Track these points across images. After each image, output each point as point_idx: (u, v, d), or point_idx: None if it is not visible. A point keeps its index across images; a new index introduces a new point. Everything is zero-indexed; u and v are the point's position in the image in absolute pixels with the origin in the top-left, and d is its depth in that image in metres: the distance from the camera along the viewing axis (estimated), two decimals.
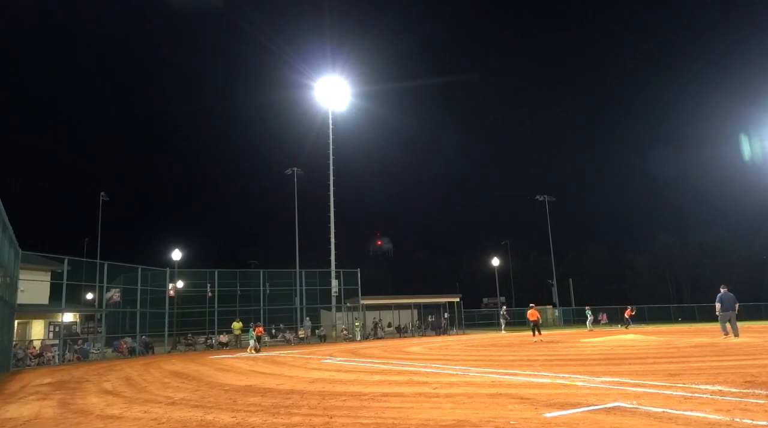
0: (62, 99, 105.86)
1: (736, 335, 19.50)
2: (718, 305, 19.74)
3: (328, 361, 17.34)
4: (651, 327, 37.57)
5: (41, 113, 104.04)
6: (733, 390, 7.77)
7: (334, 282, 35.82)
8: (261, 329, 26.51)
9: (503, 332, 34.81)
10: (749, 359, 11.80)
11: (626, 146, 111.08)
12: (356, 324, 35.78)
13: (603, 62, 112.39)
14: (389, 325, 39.70)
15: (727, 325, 19.71)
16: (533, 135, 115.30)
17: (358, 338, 34.44)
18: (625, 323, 36.53)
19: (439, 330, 38.75)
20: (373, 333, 36.24)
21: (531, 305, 28.27)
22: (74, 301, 30.84)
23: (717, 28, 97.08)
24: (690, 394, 7.60)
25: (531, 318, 25.97)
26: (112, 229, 62.07)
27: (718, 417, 6.00)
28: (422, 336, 36.91)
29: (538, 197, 60.55)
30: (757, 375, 9.09)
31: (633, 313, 36.36)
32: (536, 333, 25.21)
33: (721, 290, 20.03)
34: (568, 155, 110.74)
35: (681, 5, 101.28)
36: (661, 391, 7.99)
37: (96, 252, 46.51)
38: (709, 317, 42.65)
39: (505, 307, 38.45)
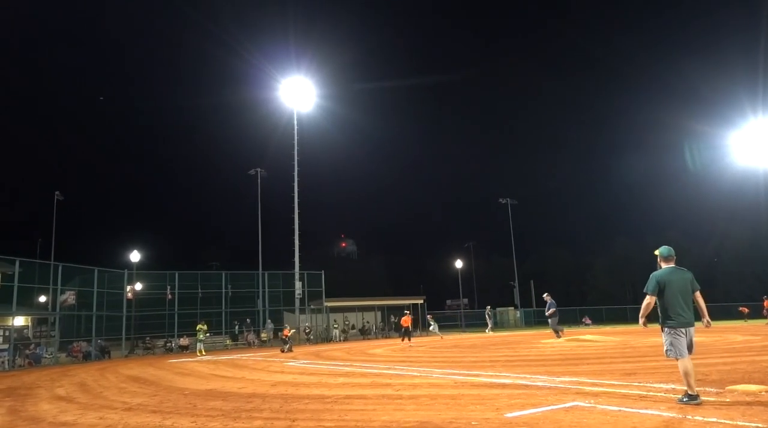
0: (12, 94, 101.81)
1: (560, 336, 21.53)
2: (552, 311, 21.74)
3: (291, 364, 17.18)
4: (608, 328, 38.54)
5: None
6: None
7: (298, 284, 35.49)
8: (287, 331, 25.95)
9: (489, 332, 34.86)
10: (700, 358, 12.19)
11: (586, 152, 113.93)
12: (334, 325, 36.10)
13: (562, 69, 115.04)
14: (353, 327, 39.59)
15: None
16: (498, 139, 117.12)
17: (338, 339, 34.72)
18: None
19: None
20: (334, 336, 36.06)
21: (406, 311, 29.28)
22: (26, 304, 29.62)
23: (660, 44, 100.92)
24: (645, 392, 7.83)
25: (404, 324, 26.88)
26: (68, 229, 60.05)
27: (671, 415, 6.20)
28: (386, 337, 36.95)
29: (501, 200, 61.31)
30: (707, 373, 9.42)
31: None
32: (406, 338, 26.43)
33: (551, 299, 21.99)
34: (532, 158, 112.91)
35: (635, 14, 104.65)
36: (618, 390, 8.21)
37: (50, 253, 44.92)
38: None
39: (489, 307, 38.76)
